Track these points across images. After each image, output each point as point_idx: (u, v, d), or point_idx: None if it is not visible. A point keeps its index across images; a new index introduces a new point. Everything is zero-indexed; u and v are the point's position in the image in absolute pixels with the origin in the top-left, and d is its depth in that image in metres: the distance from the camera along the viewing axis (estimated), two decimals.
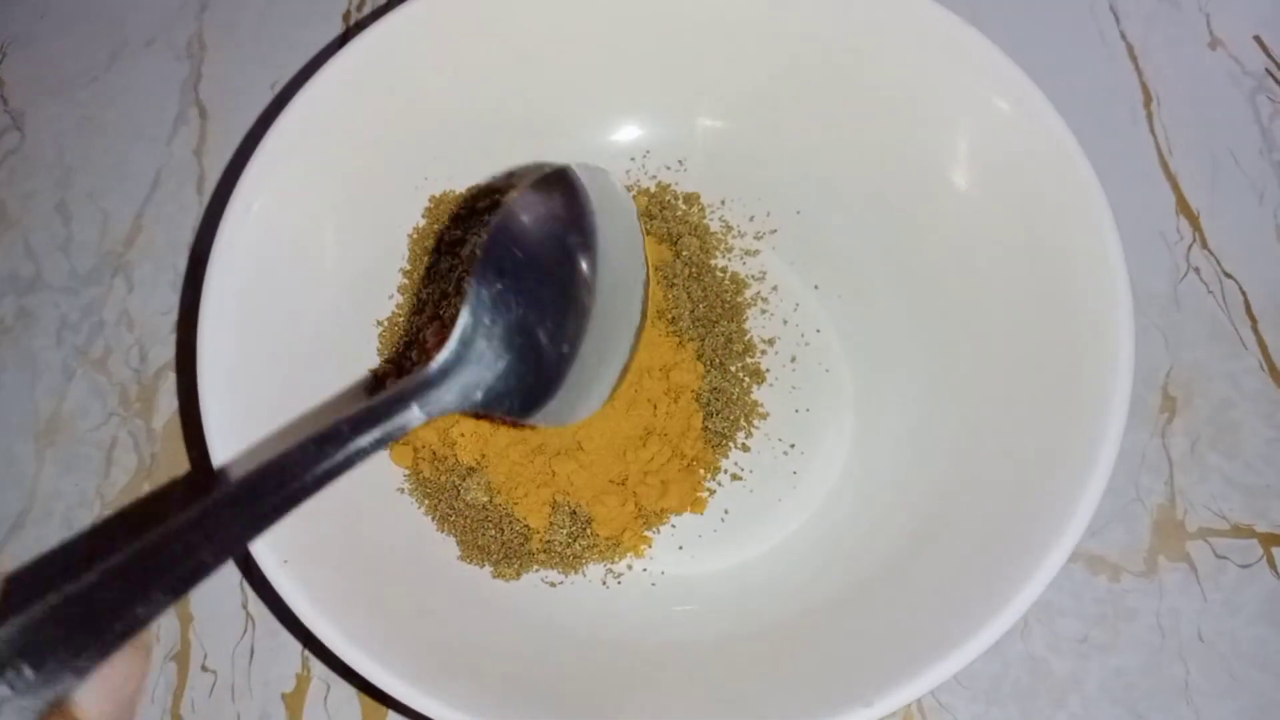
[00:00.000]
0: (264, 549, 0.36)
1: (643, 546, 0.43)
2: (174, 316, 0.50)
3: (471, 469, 0.43)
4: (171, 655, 0.44)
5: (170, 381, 0.49)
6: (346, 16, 0.57)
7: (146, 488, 0.47)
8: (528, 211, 0.34)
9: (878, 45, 0.44)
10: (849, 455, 0.45)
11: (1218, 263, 0.50)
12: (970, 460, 0.41)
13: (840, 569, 0.41)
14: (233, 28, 0.57)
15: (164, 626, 0.44)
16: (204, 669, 0.44)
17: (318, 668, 0.44)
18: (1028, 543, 0.36)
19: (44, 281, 0.51)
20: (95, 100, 0.55)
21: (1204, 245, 0.50)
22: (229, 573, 0.45)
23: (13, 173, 0.54)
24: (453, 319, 0.44)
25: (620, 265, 0.38)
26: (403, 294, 0.47)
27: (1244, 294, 0.49)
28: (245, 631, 0.44)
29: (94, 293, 0.51)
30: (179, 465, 0.47)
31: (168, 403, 0.48)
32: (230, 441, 0.38)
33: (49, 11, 0.58)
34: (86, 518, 0.46)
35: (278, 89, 0.55)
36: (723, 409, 0.44)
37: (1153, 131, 0.53)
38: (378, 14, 0.55)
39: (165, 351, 0.49)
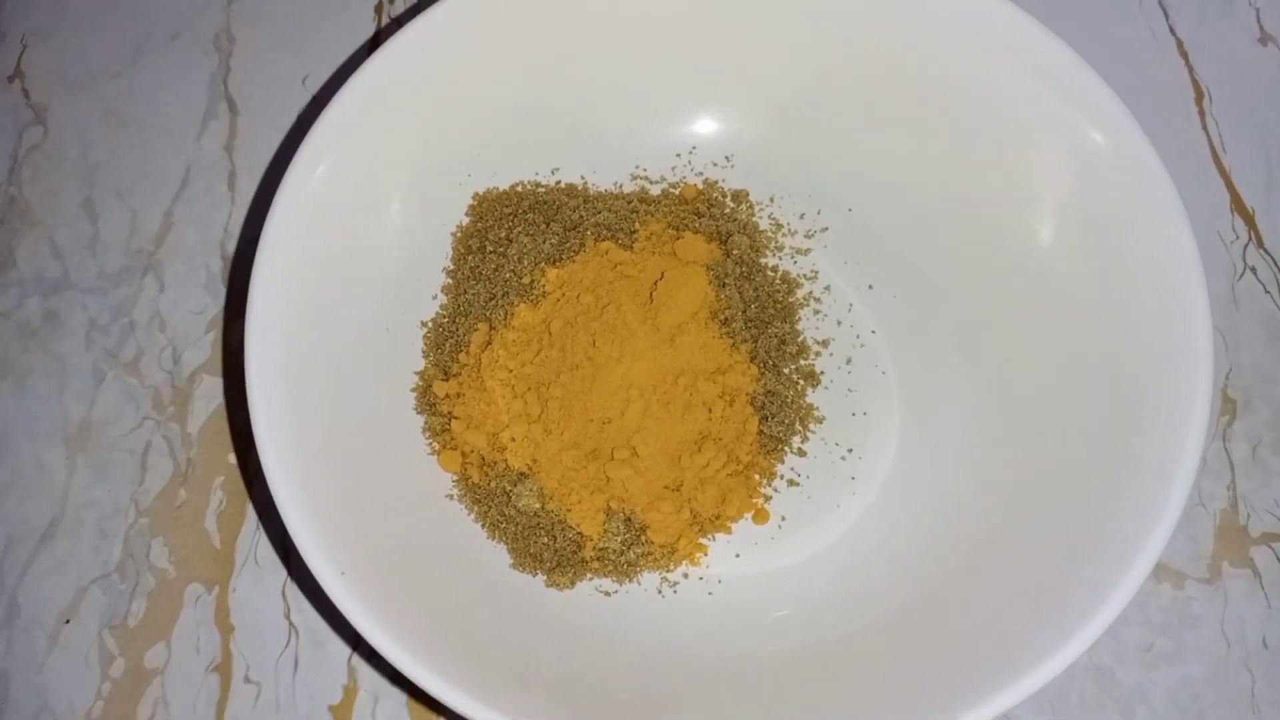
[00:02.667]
0: (321, 561, 0.35)
1: (698, 554, 0.42)
2: (207, 317, 0.49)
3: (523, 475, 0.42)
4: (213, 667, 0.43)
5: (205, 384, 0.47)
6: (379, 8, 0.55)
7: (183, 494, 0.45)
8: None
9: (948, 51, 0.43)
10: (908, 460, 0.43)
11: (1274, 262, 0.49)
12: (1038, 467, 0.40)
13: (904, 581, 0.40)
14: (262, 20, 0.55)
15: (204, 637, 0.43)
16: (247, 680, 0.42)
17: (365, 679, 0.42)
18: (1107, 555, 0.35)
19: (71, 282, 0.50)
20: (120, 95, 0.54)
21: (1260, 244, 0.49)
22: (270, 580, 0.44)
23: (36, 170, 0.52)
24: (501, 322, 0.43)
25: None
26: (446, 294, 0.45)
27: None
28: (289, 642, 0.43)
29: (124, 293, 0.49)
30: (216, 470, 0.46)
31: (203, 405, 0.47)
32: (279, 444, 0.37)
33: (70, 3, 0.56)
34: (121, 526, 0.45)
35: (309, 82, 0.53)
36: (778, 413, 0.43)
37: (1205, 128, 0.52)
38: (413, 5, 0.54)
39: (199, 353, 0.48)
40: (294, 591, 0.44)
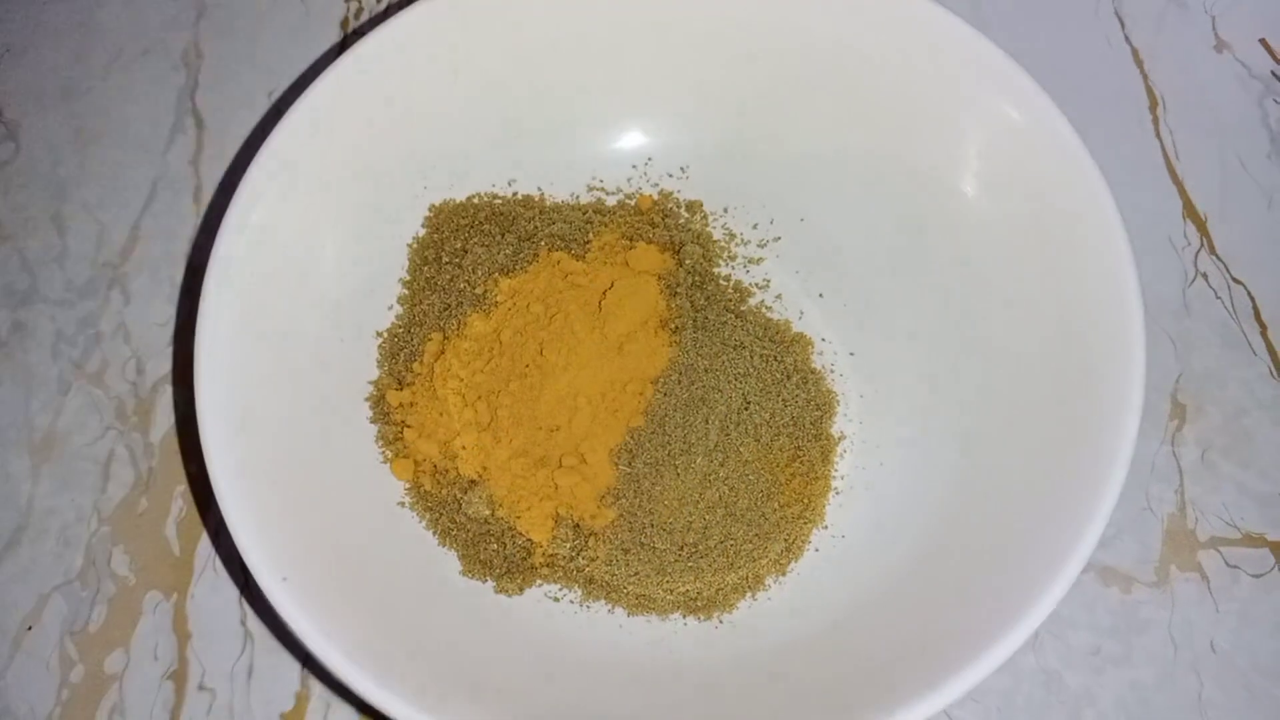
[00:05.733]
0: (262, 565, 0.36)
1: None
2: (171, 329, 0.49)
3: (473, 482, 0.42)
4: (169, 674, 0.43)
5: (168, 395, 0.48)
6: (345, 24, 0.56)
7: (144, 503, 0.46)
8: None
9: (883, 51, 0.44)
10: (854, 465, 0.44)
11: (1226, 268, 0.49)
12: (980, 471, 0.41)
13: (850, 582, 0.41)
14: (229, 36, 0.56)
15: (161, 644, 0.44)
16: (201, 688, 0.43)
17: (318, 686, 0.43)
18: (1041, 555, 0.36)
19: (39, 294, 0.51)
20: (90, 110, 0.55)
21: (1212, 250, 0.50)
22: (227, 588, 0.45)
23: (7, 184, 0.53)
24: (454, 332, 0.44)
25: None
26: (402, 305, 0.46)
27: (1253, 299, 0.49)
28: (244, 649, 0.44)
29: (90, 305, 0.50)
30: (177, 479, 0.46)
31: (165, 416, 0.48)
32: (229, 456, 0.38)
33: (42, 20, 0.57)
34: (83, 534, 0.46)
35: (275, 97, 0.54)
36: None
37: (1159, 136, 0.52)
38: (376, 21, 0.55)
39: (163, 364, 0.49)
40: (251, 599, 0.44)
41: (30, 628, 0.44)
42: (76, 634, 0.44)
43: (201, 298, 0.39)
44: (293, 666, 0.43)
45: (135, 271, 0.51)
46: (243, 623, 0.44)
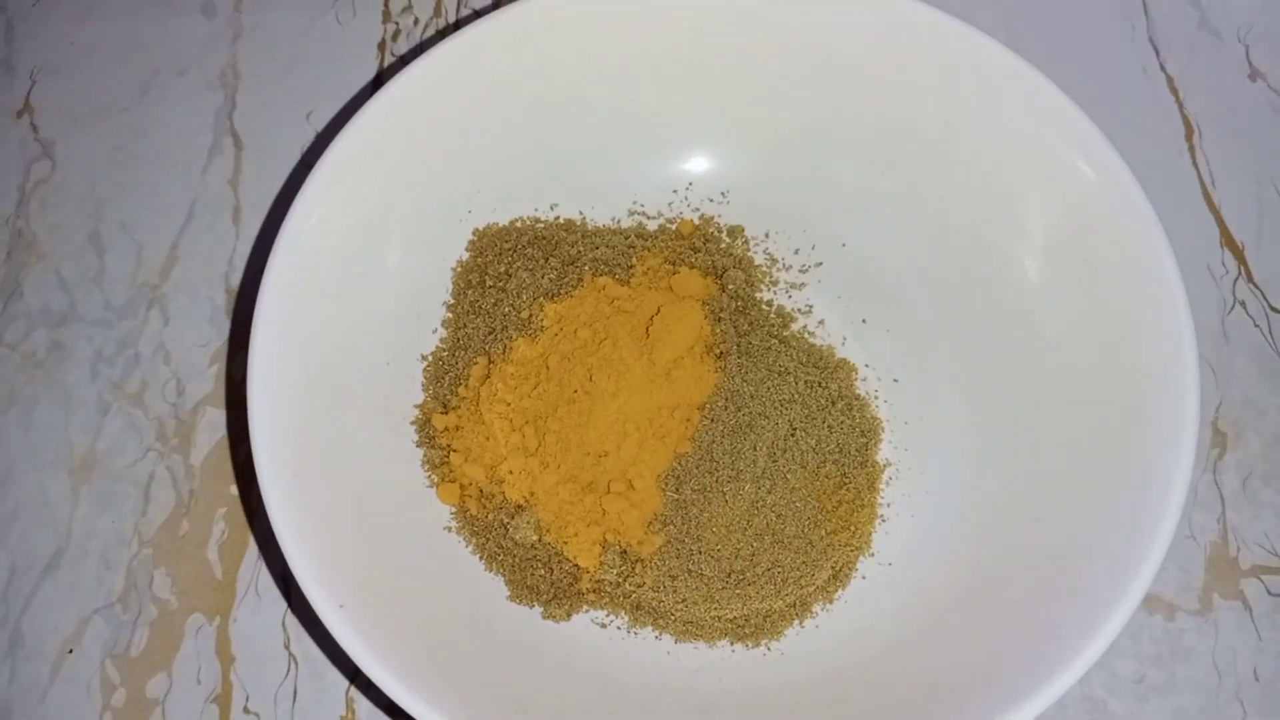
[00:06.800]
0: (319, 594, 0.36)
1: None
2: (211, 349, 0.49)
3: (520, 507, 0.42)
4: (213, 698, 0.43)
5: (208, 416, 0.48)
6: (382, 45, 0.56)
7: (185, 525, 0.46)
8: None
9: (932, 86, 0.44)
10: (900, 492, 0.44)
11: (1263, 296, 0.50)
12: (1027, 502, 0.41)
13: (898, 611, 0.41)
14: (266, 56, 0.56)
15: (204, 667, 0.43)
16: (246, 711, 0.43)
17: (362, 710, 0.43)
18: (1096, 588, 0.36)
19: (77, 314, 0.50)
20: (127, 130, 0.55)
21: (1249, 279, 0.50)
22: (270, 611, 0.45)
23: (44, 203, 0.53)
24: (500, 356, 0.44)
25: None
26: (446, 329, 0.46)
27: None
28: (288, 672, 0.43)
29: (129, 325, 0.50)
30: (218, 501, 0.46)
31: (206, 437, 0.48)
32: (280, 477, 0.38)
33: (78, 39, 0.57)
34: (124, 557, 0.45)
35: (313, 118, 0.54)
36: None
37: (1195, 164, 0.52)
38: (415, 45, 0.55)
39: (203, 385, 0.49)
40: (294, 622, 0.44)
41: (71, 651, 0.44)
42: (118, 657, 0.44)
43: (253, 327, 0.39)
44: (337, 690, 0.43)
45: (174, 292, 0.51)
46: (286, 646, 0.44)
